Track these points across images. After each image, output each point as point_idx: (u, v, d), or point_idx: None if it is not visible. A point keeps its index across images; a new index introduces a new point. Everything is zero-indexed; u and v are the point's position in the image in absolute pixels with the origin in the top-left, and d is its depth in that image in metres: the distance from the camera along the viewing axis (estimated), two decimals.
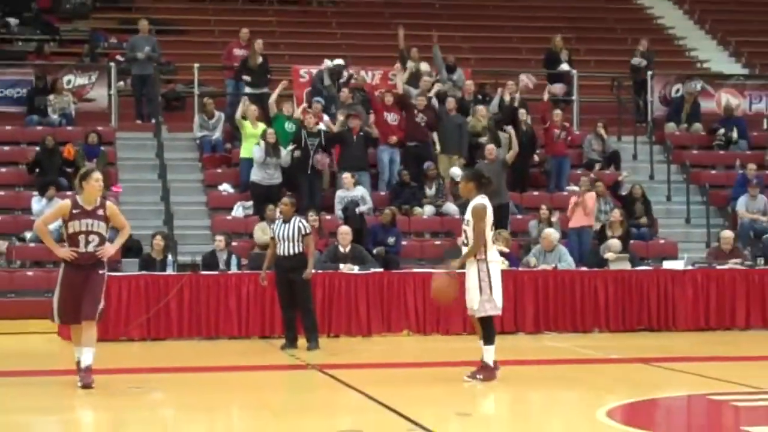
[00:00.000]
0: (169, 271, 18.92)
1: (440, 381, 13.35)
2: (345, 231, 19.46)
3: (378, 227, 20.63)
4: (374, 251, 19.81)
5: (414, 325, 18.50)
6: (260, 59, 23.75)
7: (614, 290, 19.24)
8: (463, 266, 12.52)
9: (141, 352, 16.54)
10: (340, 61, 23.79)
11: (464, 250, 12.52)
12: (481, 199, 12.43)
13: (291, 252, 16.05)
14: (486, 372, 12.42)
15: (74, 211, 11.89)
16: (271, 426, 10.87)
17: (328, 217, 20.78)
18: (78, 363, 12.16)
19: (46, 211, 20.54)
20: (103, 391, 12.36)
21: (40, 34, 27.85)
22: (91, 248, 11.98)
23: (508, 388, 12.40)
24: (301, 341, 16.43)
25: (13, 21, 28.12)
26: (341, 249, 19.26)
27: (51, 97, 24.04)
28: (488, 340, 12.47)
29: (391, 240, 20.26)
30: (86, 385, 11.98)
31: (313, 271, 16.60)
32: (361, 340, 17.99)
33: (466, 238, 12.43)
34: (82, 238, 11.90)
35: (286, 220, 16.21)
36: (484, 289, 12.35)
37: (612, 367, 14.75)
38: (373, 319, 18.56)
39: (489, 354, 12.42)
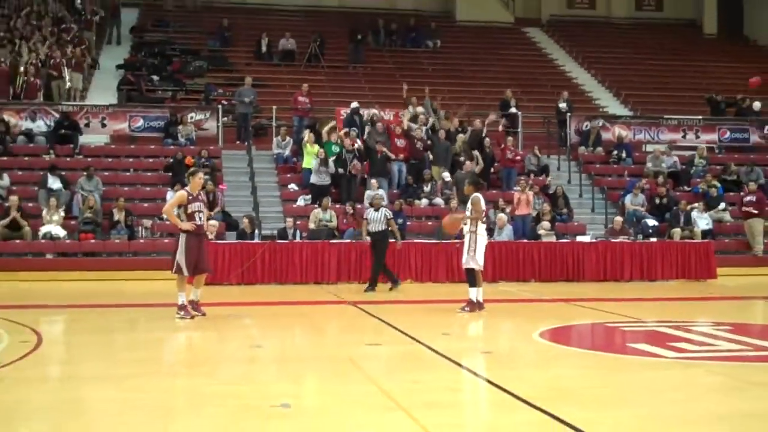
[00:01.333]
0: (256, 240, 19.01)
1: (433, 312, 13.42)
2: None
3: (393, 213, 20.60)
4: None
5: (415, 276, 18.60)
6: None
7: (545, 254, 19.30)
8: (462, 224, 12.96)
9: (237, 293, 16.63)
10: (355, 105, 24.14)
11: (465, 228, 12.85)
12: (478, 195, 12.80)
13: (379, 229, 16.46)
14: (471, 306, 12.72)
15: (189, 197, 12.07)
16: (319, 340, 10.95)
17: (359, 206, 20.80)
18: (193, 300, 12.37)
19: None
20: (213, 317, 12.45)
21: (173, 86, 27.83)
22: (201, 222, 12.17)
23: (479, 317, 12.47)
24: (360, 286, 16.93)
25: (155, 78, 28.11)
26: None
27: (180, 127, 24.07)
28: (471, 284, 12.81)
29: (400, 221, 20.26)
30: (202, 314, 12.27)
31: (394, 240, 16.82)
32: (380, 286, 18.03)
33: (467, 222, 12.75)
34: (197, 215, 12.08)
35: (377, 209, 16.60)
36: (470, 251, 12.70)
37: (542, 305, 14.81)
38: None
39: (472, 294, 12.74)
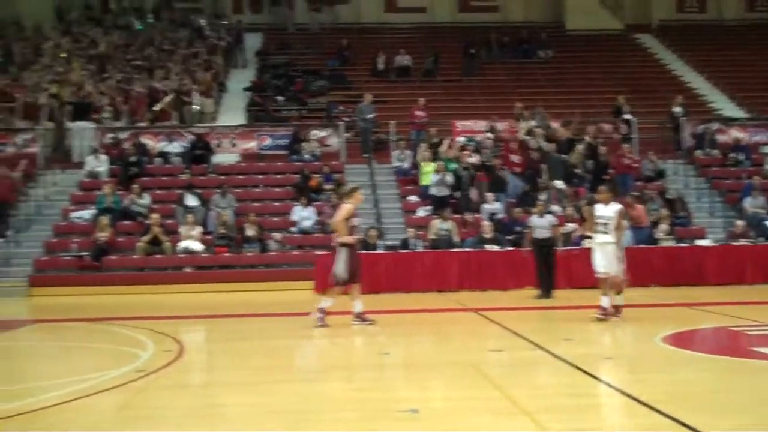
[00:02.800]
0: (379, 251, 19.14)
1: (554, 318, 13.25)
2: (488, 225, 19.47)
3: (510, 222, 20.52)
4: (508, 237, 19.77)
5: (535, 284, 18.32)
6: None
7: (664, 259, 18.83)
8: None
9: (363, 301, 16.71)
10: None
11: (601, 237, 12.10)
12: (618, 204, 12.32)
13: (545, 236, 16.11)
14: (605, 313, 12.03)
15: (354, 212, 12.49)
16: (444, 347, 10.95)
17: (477, 215, 20.73)
18: (355, 310, 12.56)
19: (303, 214, 21.16)
20: (341, 325, 12.58)
21: (297, 105, 28.35)
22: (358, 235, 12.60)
23: (603, 324, 12.16)
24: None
25: (280, 98, 28.68)
26: (486, 235, 19.22)
27: (304, 144, 24.50)
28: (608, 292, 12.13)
29: (518, 229, 20.13)
30: (370, 323, 12.43)
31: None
32: (501, 293, 17.94)
33: (606, 228, 12.05)
34: (355, 229, 12.65)
35: (541, 215, 16.30)
36: (614, 258, 12.00)
37: (664, 310, 14.43)
38: (508, 279, 18.50)
39: (605, 301, 12.07)
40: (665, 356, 9.43)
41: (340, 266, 12.18)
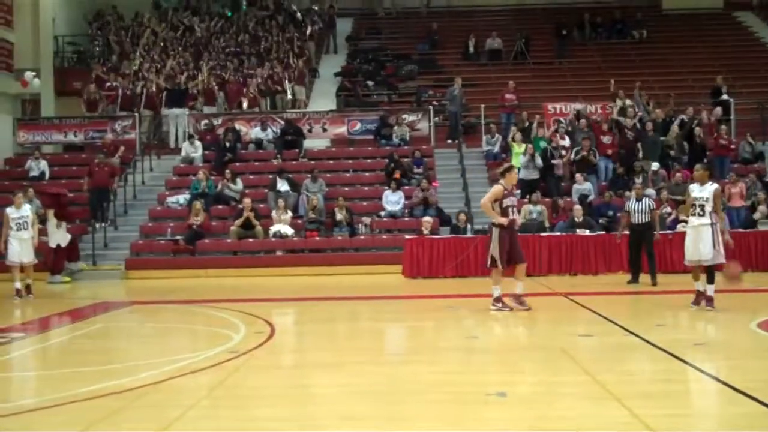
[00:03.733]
0: (469, 235, 19.09)
1: (646, 304, 13.01)
2: (578, 209, 19.21)
3: (602, 205, 20.20)
4: (599, 221, 19.45)
5: (626, 268, 17.98)
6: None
7: (762, 243, 18.27)
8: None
9: (452, 285, 16.74)
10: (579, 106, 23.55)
11: (696, 219, 11.37)
12: (715, 184, 11.64)
13: (643, 220, 15.47)
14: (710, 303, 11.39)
15: (505, 192, 11.91)
16: (532, 331, 10.86)
17: (568, 199, 20.49)
18: (517, 295, 12.05)
19: (392, 198, 21.24)
20: (430, 308, 12.59)
21: (387, 90, 28.41)
22: (514, 216, 12.07)
23: (696, 310, 11.90)
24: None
25: (370, 83, 28.78)
26: (576, 219, 18.97)
27: (396, 128, 24.55)
28: (712, 281, 11.45)
29: (610, 213, 19.81)
30: (526, 308, 11.94)
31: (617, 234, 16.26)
32: (591, 277, 17.71)
33: (702, 210, 11.33)
34: (510, 209, 11.90)
35: (639, 199, 15.69)
36: (716, 244, 11.31)
37: (760, 295, 14.01)
38: (599, 263, 18.25)
39: (711, 290, 11.41)
40: (761, 342, 9.19)
41: (494, 248, 11.82)
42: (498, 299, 11.93)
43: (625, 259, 17.12)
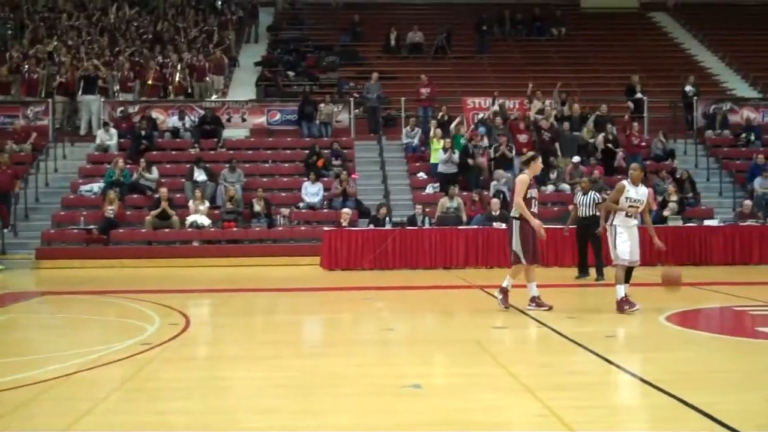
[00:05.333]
0: (388, 227, 19.17)
1: (559, 296, 13.17)
2: (495, 202, 19.44)
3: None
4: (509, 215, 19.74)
5: (542, 260, 17.99)
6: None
7: (671, 239, 18.68)
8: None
9: (370, 277, 16.80)
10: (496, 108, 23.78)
11: (633, 220, 10.90)
12: (647, 187, 11.36)
13: (589, 213, 15.17)
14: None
15: (530, 182, 10.93)
16: (448, 323, 10.97)
17: (485, 193, 20.72)
18: (534, 296, 11.13)
19: (311, 189, 21.17)
20: (347, 300, 12.59)
21: (308, 81, 28.28)
22: (535, 208, 11.04)
23: (609, 303, 12.12)
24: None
25: (291, 73, 28.62)
26: (493, 213, 19.21)
27: (321, 105, 24.47)
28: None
29: None
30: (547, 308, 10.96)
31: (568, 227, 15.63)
32: (507, 270, 17.88)
33: (636, 208, 10.89)
34: (533, 201, 10.97)
35: (585, 193, 15.52)
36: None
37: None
38: None
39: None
40: (669, 335, 9.44)
41: (516, 244, 10.90)
42: (534, 299, 11.02)
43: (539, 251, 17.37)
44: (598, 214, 14.78)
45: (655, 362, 7.89)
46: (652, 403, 6.30)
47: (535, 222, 10.77)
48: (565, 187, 21.39)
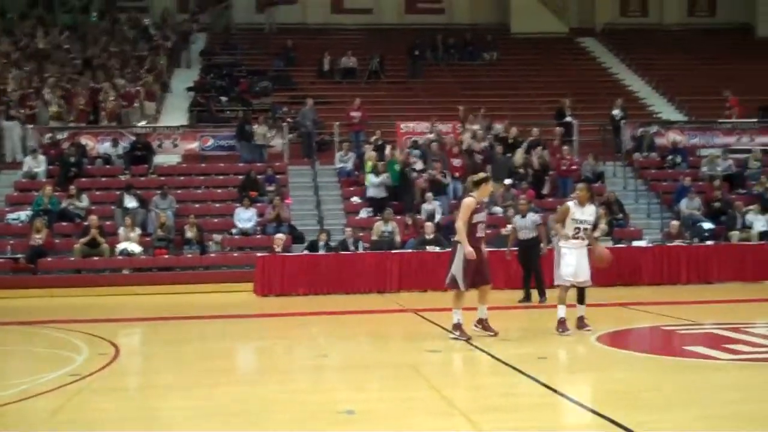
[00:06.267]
0: (321, 252, 19.13)
1: (491, 319, 13.28)
2: (429, 226, 19.56)
3: (451, 223, 20.62)
4: (452, 238, 19.86)
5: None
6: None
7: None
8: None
9: (305, 303, 16.72)
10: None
11: (579, 242, 10.93)
12: (594, 206, 11.26)
13: (529, 236, 15.04)
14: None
15: (477, 206, 10.53)
16: (382, 348, 10.99)
17: (419, 217, 20.82)
18: (482, 319, 10.90)
19: (244, 215, 21.06)
20: (281, 326, 12.53)
21: (241, 106, 28.13)
22: (482, 234, 10.71)
23: (540, 324, 12.28)
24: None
25: (224, 98, 28.50)
26: (427, 236, 19.32)
27: (257, 127, 24.36)
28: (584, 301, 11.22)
29: None
30: (493, 333, 10.75)
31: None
32: (441, 294, 17.98)
33: (585, 233, 10.93)
34: (479, 226, 10.57)
35: (523, 215, 15.38)
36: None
37: (600, 310, 14.55)
38: None
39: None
40: (600, 356, 9.59)
41: (457, 267, 10.51)
42: (457, 326, 10.66)
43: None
44: (536, 235, 15.09)
45: (587, 383, 8.03)
46: (584, 423, 6.41)
47: (468, 249, 10.33)
48: (498, 210, 21.58)
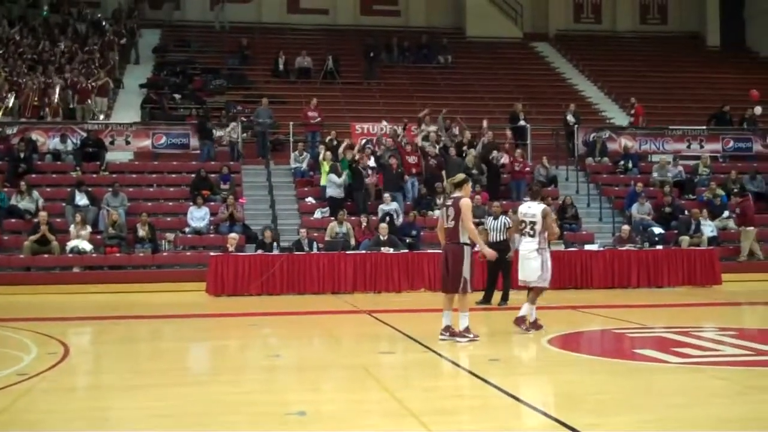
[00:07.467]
0: (275, 252, 19.05)
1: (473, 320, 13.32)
2: (384, 227, 19.57)
3: (406, 224, 20.70)
4: (407, 240, 19.92)
5: (428, 285, 18.45)
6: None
7: (553, 263, 19.13)
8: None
9: (257, 303, 16.64)
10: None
11: (525, 239, 11.27)
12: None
13: (500, 239, 14.78)
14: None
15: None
16: (335, 349, 10.97)
17: (373, 218, 20.83)
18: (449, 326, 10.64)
19: (197, 214, 20.90)
20: (233, 326, 12.46)
21: (194, 104, 27.95)
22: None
23: (492, 327, 12.38)
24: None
25: (177, 96, 28.26)
26: (381, 238, 19.33)
27: (231, 124, 24.42)
28: None
29: (414, 232, 20.35)
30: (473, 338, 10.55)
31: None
32: (394, 295, 18.06)
33: (532, 229, 11.18)
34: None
35: (496, 217, 15.24)
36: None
37: (551, 312, 14.67)
38: (402, 281, 18.63)
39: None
40: (551, 358, 9.66)
41: (467, 269, 10.39)
42: (468, 329, 10.52)
43: (426, 276, 17.80)
44: (507, 238, 14.90)
45: (537, 385, 8.07)
46: (533, 424, 6.44)
47: (488, 250, 10.88)
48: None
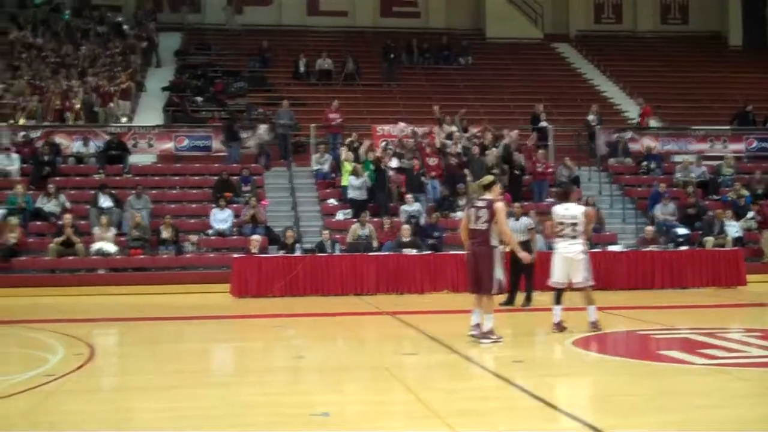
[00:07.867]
0: (297, 253, 19.07)
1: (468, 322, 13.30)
2: (406, 229, 19.55)
3: (428, 225, 20.68)
4: (429, 241, 19.90)
5: (451, 287, 18.40)
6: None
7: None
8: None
9: (281, 305, 16.65)
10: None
11: (566, 240, 11.24)
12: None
13: (521, 239, 14.22)
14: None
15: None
16: (358, 350, 10.97)
17: (396, 219, 20.81)
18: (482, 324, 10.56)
19: (220, 216, 20.94)
20: (258, 327, 12.49)
21: (216, 106, 28.03)
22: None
23: (516, 328, 12.32)
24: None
25: (199, 99, 28.35)
26: (404, 239, 19.31)
27: (262, 126, 24.43)
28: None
29: (436, 234, 20.31)
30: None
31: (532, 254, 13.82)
32: (417, 296, 18.03)
33: (574, 230, 11.19)
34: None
35: (517, 218, 15.06)
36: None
37: (575, 314, 14.60)
38: (425, 283, 18.59)
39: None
40: (575, 359, 9.62)
41: (500, 271, 10.45)
42: (492, 331, 10.47)
43: (449, 278, 17.75)
44: (529, 239, 14.80)
45: (561, 386, 8.04)
46: (558, 426, 6.41)
47: (523, 254, 11.18)
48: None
